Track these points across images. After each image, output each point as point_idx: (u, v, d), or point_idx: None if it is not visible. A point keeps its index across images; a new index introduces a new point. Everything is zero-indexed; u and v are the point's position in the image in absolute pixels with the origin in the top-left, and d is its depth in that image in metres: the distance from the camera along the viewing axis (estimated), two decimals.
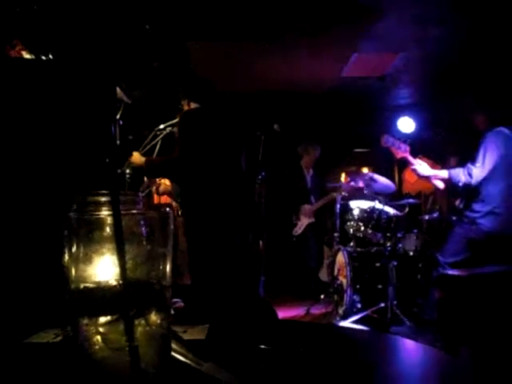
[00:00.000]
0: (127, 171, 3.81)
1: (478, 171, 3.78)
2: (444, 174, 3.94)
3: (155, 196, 4.79)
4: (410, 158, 3.98)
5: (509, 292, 3.11)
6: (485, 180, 3.83)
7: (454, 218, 4.46)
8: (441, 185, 4.15)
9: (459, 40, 5.21)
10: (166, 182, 4.75)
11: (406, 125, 7.02)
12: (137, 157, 3.67)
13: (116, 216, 0.57)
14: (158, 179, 4.58)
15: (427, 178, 4.09)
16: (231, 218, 3.58)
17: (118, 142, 3.10)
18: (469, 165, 3.82)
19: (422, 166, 3.98)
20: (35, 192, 1.55)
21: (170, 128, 3.90)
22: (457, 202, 4.21)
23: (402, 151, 3.96)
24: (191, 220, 3.62)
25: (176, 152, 3.55)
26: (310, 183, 6.73)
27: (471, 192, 3.91)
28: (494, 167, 3.79)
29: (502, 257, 3.67)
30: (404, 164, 7.42)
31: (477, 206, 3.86)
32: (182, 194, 3.79)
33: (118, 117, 3.30)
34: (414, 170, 4.01)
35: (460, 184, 3.83)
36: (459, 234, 3.93)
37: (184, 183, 3.67)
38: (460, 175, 3.82)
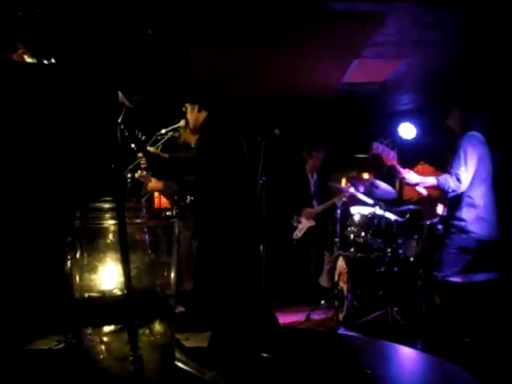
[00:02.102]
0: (128, 175, 3.81)
1: (464, 175, 3.74)
2: (432, 180, 3.87)
3: (156, 200, 4.76)
4: (398, 167, 3.92)
5: (506, 298, 3.11)
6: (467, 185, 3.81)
7: (440, 227, 4.44)
8: (423, 192, 4.12)
9: (460, 46, 5.21)
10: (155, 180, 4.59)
11: (407, 131, 7.02)
12: (156, 151, 3.71)
13: (121, 225, 0.57)
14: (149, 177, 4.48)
15: (415, 186, 4.06)
16: (242, 224, 3.60)
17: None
18: (453, 171, 3.77)
19: (409, 174, 3.93)
20: (38, 198, 1.55)
21: (171, 133, 3.91)
22: (439, 210, 4.18)
23: (391, 158, 3.94)
24: (202, 226, 3.65)
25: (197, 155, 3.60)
26: (314, 187, 6.75)
27: (453, 200, 3.88)
28: (475, 171, 3.78)
29: (495, 263, 3.66)
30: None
31: (462, 213, 3.81)
32: (196, 200, 3.81)
33: (119, 121, 3.30)
34: (403, 179, 3.97)
35: (450, 190, 3.77)
36: (450, 245, 3.86)
37: (197, 186, 3.71)
38: (449, 181, 3.76)
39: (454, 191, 3.78)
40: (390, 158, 3.93)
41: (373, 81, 6.50)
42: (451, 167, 3.80)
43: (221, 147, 3.56)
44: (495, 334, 3.10)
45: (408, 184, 4.02)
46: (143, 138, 3.77)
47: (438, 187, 3.86)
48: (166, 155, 3.67)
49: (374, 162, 5.55)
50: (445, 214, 4.08)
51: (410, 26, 4.80)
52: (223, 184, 3.56)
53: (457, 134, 3.92)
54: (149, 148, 3.68)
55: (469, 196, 3.80)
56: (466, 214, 3.80)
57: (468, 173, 3.75)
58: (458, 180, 3.74)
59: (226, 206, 3.55)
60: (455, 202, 3.86)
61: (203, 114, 3.75)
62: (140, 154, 3.66)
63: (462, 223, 3.80)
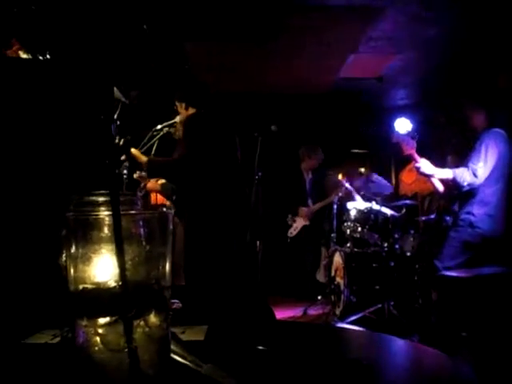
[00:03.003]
0: (124, 172, 3.80)
1: (482, 170, 3.74)
2: (448, 173, 3.88)
3: (152, 196, 4.75)
4: (415, 156, 3.95)
5: (507, 293, 3.11)
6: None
7: (448, 218, 4.45)
8: (440, 187, 4.12)
9: (457, 40, 5.22)
10: (153, 181, 4.64)
11: (403, 126, 7.01)
12: (137, 154, 3.66)
13: (116, 217, 0.56)
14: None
15: (429, 177, 4.07)
16: (231, 218, 3.59)
17: (115, 141, 3.09)
18: (471, 164, 3.77)
19: (425, 164, 3.95)
20: (33, 192, 1.54)
21: (167, 128, 3.90)
22: (454, 206, 4.19)
23: (410, 147, 3.96)
24: (191, 221, 3.64)
25: (178, 154, 3.56)
26: (309, 186, 6.74)
27: (466, 194, 3.89)
28: (493, 167, 3.78)
29: (499, 258, 3.67)
30: (402, 164, 7.44)
31: (473, 209, 3.82)
32: (182, 196, 3.79)
33: (115, 117, 3.29)
34: (417, 168, 3.97)
35: (465, 184, 3.78)
36: (454, 238, 3.88)
37: (185, 185, 3.69)
38: (465, 175, 3.76)
39: (469, 185, 3.79)
40: (409, 146, 3.95)
41: (369, 76, 6.49)
42: (469, 161, 3.80)
43: (200, 145, 3.54)
44: (494, 329, 3.11)
45: (423, 174, 4.03)
46: (128, 137, 3.75)
47: (453, 179, 3.85)
48: (145, 159, 3.64)
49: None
50: (455, 207, 4.08)
51: (406, 21, 4.80)
52: (208, 185, 3.54)
53: (477, 131, 3.92)
54: (132, 150, 3.66)
55: (483, 192, 3.81)
56: (477, 209, 3.81)
57: (486, 168, 3.75)
58: (475, 174, 3.75)
59: (214, 205, 3.54)
60: (468, 196, 3.87)
61: (191, 111, 3.74)
62: (123, 157, 3.64)
63: (472, 218, 3.81)
